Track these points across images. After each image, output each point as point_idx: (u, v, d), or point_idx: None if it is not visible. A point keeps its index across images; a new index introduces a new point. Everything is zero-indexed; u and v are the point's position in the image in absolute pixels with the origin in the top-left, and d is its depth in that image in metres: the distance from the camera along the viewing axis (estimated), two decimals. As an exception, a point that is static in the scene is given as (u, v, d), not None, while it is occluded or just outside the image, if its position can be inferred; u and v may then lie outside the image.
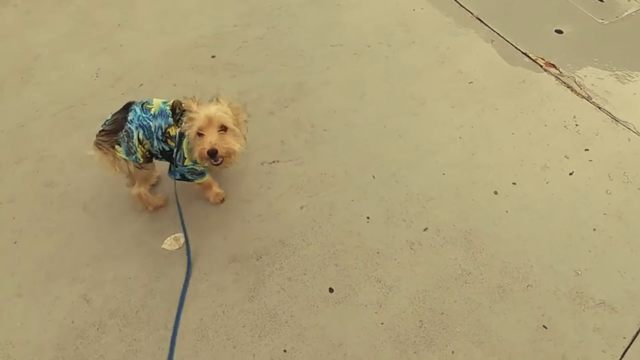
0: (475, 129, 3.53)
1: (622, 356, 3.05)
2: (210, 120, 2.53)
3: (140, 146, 2.68)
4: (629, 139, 3.51)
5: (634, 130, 3.50)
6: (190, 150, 2.64)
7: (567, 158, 3.45)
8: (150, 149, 2.71)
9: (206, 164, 2.65)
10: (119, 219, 3.18)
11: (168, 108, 2.65)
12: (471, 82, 3.74)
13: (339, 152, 3.85)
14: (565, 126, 3.58)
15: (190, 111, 2.55)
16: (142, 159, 2.72)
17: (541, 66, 3.89)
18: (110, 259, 3.01)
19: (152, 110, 2.68)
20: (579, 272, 3.28)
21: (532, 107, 3.64)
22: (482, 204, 3.58)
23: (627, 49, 3.86)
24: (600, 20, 4.06)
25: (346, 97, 3.56)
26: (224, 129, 2.56)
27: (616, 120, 3.57)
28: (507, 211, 3.53)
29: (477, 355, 2.99)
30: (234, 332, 2.64)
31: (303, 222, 3.17)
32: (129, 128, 2.65)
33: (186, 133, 2.59)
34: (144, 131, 2.66)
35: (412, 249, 3.39)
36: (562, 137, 3.49)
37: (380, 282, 3.26)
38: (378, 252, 3.36)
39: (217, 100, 2.56)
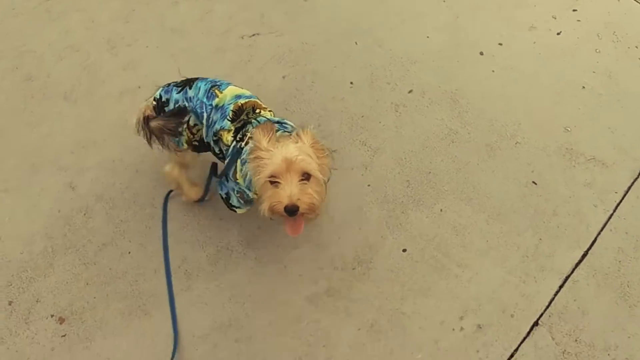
0: None
1: (614, 210, 3.25)
2: (289, 166, 2.08)
3: (188, 131, 2.43)
4: (618, 0, 3.73)
5: None
6: (257, 196, 2.32)
7: (555, 18, 3.63)
8: (204, 137, 2.44)
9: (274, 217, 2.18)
10: (101, 105, 3.30)
11: (231, 109, 2.37)
12: None
13: (320, 21, 3.95)
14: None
15: (259, 147, 2.12)
16: (185, 145, 2.48)
17: None
18: (94, 145, 3.12)
19: (216, 100, 2.41)
20: (569, 129, 3.49)
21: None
22: (467, 65, 3.75)
23: None
24: None
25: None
26: (306, 177, 2.13)
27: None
28: (493, 71, 3.71)
29: (466, 211, 3.16)
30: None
31: (285, 92, 3.31)
32: (184, 104, 2.40)
33: (248, 172, 2.24)
34: (195, 116, 2.42)
35: (397, 111, 3.54)
36: None
37: (365, 144, 3.42)
38: (363, 116, 3.52)
39: (298, 135, 2.17)
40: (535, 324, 2.78)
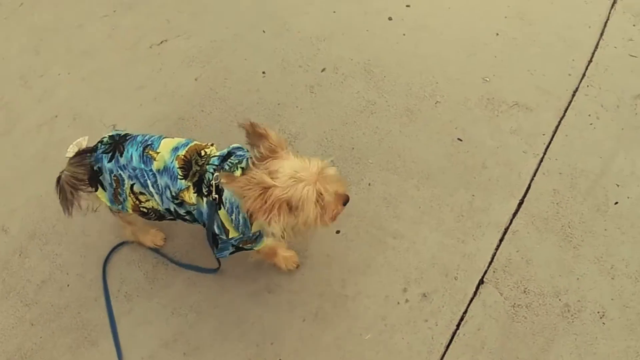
0: None
1: (545, 153, 3.26)
2: (321, 173, 2.09)
3: (132, 196, 2.30)
4: None
5: None
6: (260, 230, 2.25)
7: (462, -29, 3.67)
8: (158, 207, 2.31)
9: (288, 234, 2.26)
10: (21, 142, 3.39)
11: (177, 166, 2.24)
12: None
13: (226, 16, 4.00)
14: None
15: (265, 184, 2.04)
16: (131, 211, 2.35)
17: None
18: (19, 183, 3.15)
19: (155, 164, 2.25)
20: (487, 79, 3.50)
21: None
22: (377, 32, 3.77)
23: None
24: None
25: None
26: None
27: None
28: (404, 34, 3.72)
29: (394, 181, 3.16)
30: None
31: (200, 93, 3.42)
32: (119, 175, 2.26)
33: (240, 217, 2.22)
34: (139, 185, 2.28)
35: (312, 92, 3.59)
36: None
37: (285, 131, 3.44)
38: (279, 104, 3.56)
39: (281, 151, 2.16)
40: (481, 282, 2.81)
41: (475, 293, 2.77)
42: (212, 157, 2.23)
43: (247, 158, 2.16)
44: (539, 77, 3.28)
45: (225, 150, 2.26)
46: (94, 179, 2.30)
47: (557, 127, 3.20)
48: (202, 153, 2.25)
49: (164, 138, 2.30)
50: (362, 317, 2.67)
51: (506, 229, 2.94)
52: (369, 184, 3.06)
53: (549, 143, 3.15)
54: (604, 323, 2.68)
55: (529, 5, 3.40)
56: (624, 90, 3.30)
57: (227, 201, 2.17)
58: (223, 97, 3.34)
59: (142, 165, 2.25)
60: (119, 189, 2.29)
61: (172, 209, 2.29)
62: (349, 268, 2.79)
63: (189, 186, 2.22)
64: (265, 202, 1.96)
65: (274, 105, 3.33)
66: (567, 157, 3.11)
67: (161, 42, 3.58)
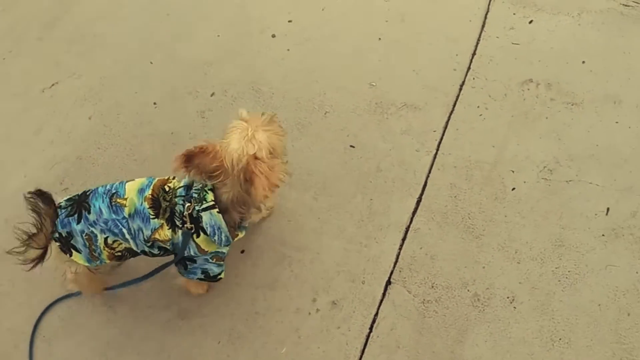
0: None
1: (437, 149, 3.40)
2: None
3: (107, 249, 2.36)
4: None
5: None
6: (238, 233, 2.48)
7: (338, -19, 3.87)
8: (131, 247, 2.41)
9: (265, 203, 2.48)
10: None
11: (147, 207, 2.35)
12: None
13: (113, 51, 4.13)
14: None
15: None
16: (108, 260, 2.40)
17: None
18: None
19: (126, 210, 2.34)
20: (374, 84, 3.64)
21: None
22: (262, 51, 3.91)
23: None
24: None
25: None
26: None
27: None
28: (288, 50, 3.87)
29: (292, 195, 3.24)
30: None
31: (95, 131, 3.49)
32: (91, 232, 2.31)
33: (216, 225, 2.42)
34: (114, 237, 2.35)
35: (203, 117, 3.72)
36: None
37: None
38: (172, 133, 3.66)
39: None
40: (388, 283, 2.93)
41: (384, 294, 2.90)
42: (177, 189, 2.35)
43: (205, 183, 2.32)
44: (425, 76, 3.37)
45: (186, 180, 2.38)
46: (66, 245, 2.34)
47: (447, 123, 3.31)
48: (167, 188, 2.36)
49: (126, 183, 2.38)
50: (276, 332, 2.77)
51: (407, 228, 3.08)
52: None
53: (441, 139, 3.26)
54: (514, 307, 2.84)
55: (409, 7, 3.54)
56: (510, 78, 3.60)
57: (208, 226, 2.32)
58: (117, 132, 3.44)
59: (114, 216, 2.33)
60: (92, 246, 2.33)
61: (146, 250, 2.41)
62: (256, 285, 2.89)
63: (162, 224, 2.32)
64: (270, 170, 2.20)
65: (167, 135, 3.43)
66: (461, 150, 3.21)
67: (52, 85, 3.66)
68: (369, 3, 3.74)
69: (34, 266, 2.31)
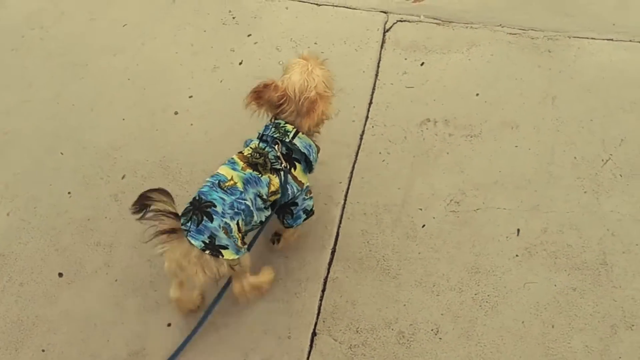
0: (141, 64, 4.32)
1: (345, 199, 3.85)
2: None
3: (239, 235, 2.71)
4: (287, 8, 4.38)
5: None
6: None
7: (234, 51, 4.36)
8: (245, 228, 2.75)
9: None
10: None
11: (250, 171, 2.82)
12: (125, 25, 4.67)
13: (24, 145, 4.40)
14: (223, 23, 4.47)
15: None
16: (241, 246, 2.78)
17: None
18: None
19: (237, 184, 2.76)
20: None
21: (188, 20, 4.52)
22: (166, 129, 4.32)
23: None
24: None
25: (12, 93, 4.32)
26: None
27: (271, -4, 4.62)
28: (191, 124, 4.28)
29: (211, 263, 3.72)
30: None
31: (14, 227, 3.70)
32: (225, 223, 2.65)
33: (307, 144, 2.98)
34: (244, 217, 2.74)
35: (117, 200, 4.06)
36: (223, 34, 4.27)
37: (100, 244, 3.86)
38: (89, 219, 3.96)
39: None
40: (314, 334, 3.21)
41: (311, 346, 3.17)
42: (257, 146, 2.96)
43: (275, 121, 3.03)
44: (327, 131, 3.49)
45: (256, 139, 3.07)
46: (214, 248, 2.68)
47: (351, 173, 3.68)
48: (248, 152, 2.95)
49: (217, 173, 2.90)
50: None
51: (325, 279, 3.37)
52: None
53: (347, 189, 3.63)
54: (440, 338, 3.14)
55: None
56: (408, 121, 3.90)
57: (303, 148, 2.95)
58: (36, 225, 3.67)
59: (233, 197, 2.76)
60: (230, 237, 2.69)
61: (262, 219, 2.92)
62: (187, 356, 3.11)
63: (271, 177, 2.87)
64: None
65: (84, 222, 3.67)
66: (368, 197, 3.56)
67: (-36, 188, 3.78)
68: (263, 70, 4.12)
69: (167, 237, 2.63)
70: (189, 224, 2.65)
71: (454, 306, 3.19)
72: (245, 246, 2.82)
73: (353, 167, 3.72)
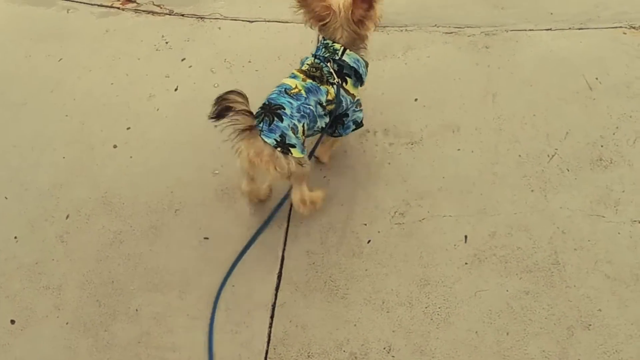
0: (78, 99, 4.27)
1: (288, 221, 3.85)
2: None
3: (303, 136, 2.99)
4: (219, 28, 4.42)
5: (221, 17, 4.56)
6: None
7: (169, 77, 4.31)
8: (308, 132, 3.04)
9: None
10: None
11: (310, 81, 3.15)
12: (61, 59, 4.55)
13: None
14: (157, 49, 4.48)
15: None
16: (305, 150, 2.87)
17: (119, 8, 5.02)
18: None
19: (301, 92, 3.05)
20: (217, 172, 4.02)
21: (122, 49, 4.42)
22: (106, 163, 4.26)
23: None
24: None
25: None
26: None
27: (202, 18, 4.63)
28: (131, 157, 4.22)
29: (158, 298, 3.62)
30: None
31: None
32: (293, 124, 2.94)
33: (356, 59, 3.25)
34: (308, 121, 3.02)
35: (62, 241, 4.04)
36: (157, 60, 4.32)
37: (48, 288, 3.82)
38: (37, 263, 3.96)
39: None
40: None
41: None
42: (314, 62, 3.25)
43: (324, 42, 3.30)
44: None
45: (310, 57, 3.37)
46: (284, 146, 2.99)
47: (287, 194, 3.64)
48: (306, 68, 3.26)
49: (282, 84, 3.20)
50: None
51: (274, 305, 3.36)
52: (137, 310, 3.57)
53: (290, 210, 3.58)
54: (393, 356, 3.13)
55: (239, 88, 4.20)
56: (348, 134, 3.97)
57: (352, 62, 3.24)
58: None
59: (299, 101, 3.05)
60: (297, 137, 2.97)
61: (322, 125, 3.22)
62: None
63: (328, 88, 3.18)
64: None
65: (32, 266, 3.84)
66: (311, 217, 3.47)
67: None
68: (201, 92, 4.24)
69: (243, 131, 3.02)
70: (261, 125, 2.95)
71: (405, 322, 3.20)
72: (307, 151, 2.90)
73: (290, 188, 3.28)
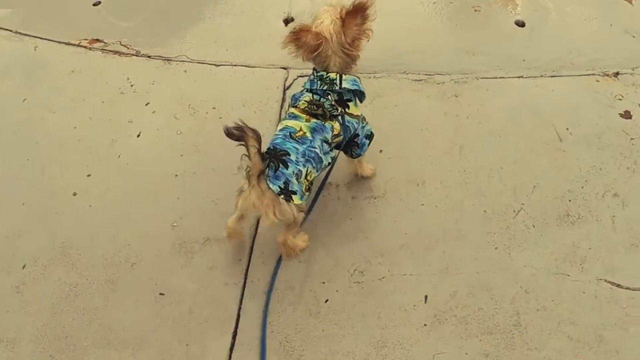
0: (40, 142, 4.33)
1: (245, 278, 3.79)
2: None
3: (306, 181, 3.00)
4: (185, 71, 4.41)
5: (187, 60, 4.60)
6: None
7: (132, 122, 4.28)
8: (313, 176, 3.05)
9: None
10: None
11: (314, 120, 3.13)
12: (25, 99, 4.58)
13: None
14: (121, 92, 4.43)
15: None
16: (307, 194, 3.02)
17: (86, 47, 4.98)
18: None
19: (306, 134, 3.07)
20: (175, 224, 3.96)
21: (86, 91, 4.39)
22: (65, 212, 4.22)
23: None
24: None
25: None
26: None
27: (169, 60, 4.57)
28: (90, 206, 4.18)
29: (112, 356, 3.61)
30: None
31: None
32: (297, 170, 2.95)
33: (351, 80, 3.22)
34: (313, 164, 3.03)
35: (19, 292, 3.99)
36: (121, 104, 4.24)
37: (2, 341, 3.70)
38: None
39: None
40: None
41: None
42: (312, 99, 3.24)
43: (318, 75, 3.27)
44: (223, 205, 3.60)
45: (304, 92, 3.37)
46: (287, 193, 3.00)
47: (251, 249, 3.60)
48: (305, 105, 3.26)
49: (284, 125, 3.24)
50: None
51: None
52: (89, 367, 3.19)
53: (247, 267, 3.54)
54: None
55: (202, 136, 3.83)
56: None
57: (350, 84, 3.21)
58: None
59: (304, 146, 3.05)
60: (299, 183, 2.97)
61: (329, 160, 3.23)
62: None
63: (332, 122, 3.19)
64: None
65: None
66: (269, 274, 3.68)
67: None
68: (163, 139, 4.16)
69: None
70: (267, 170, 2.94)
71: (362, 382, 2.73)
72: (309, 193, 3.18)
73: (253, 242, 3.67)
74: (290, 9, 4.57)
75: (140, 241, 3.97)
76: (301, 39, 2.95)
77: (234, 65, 4.45)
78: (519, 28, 4.46)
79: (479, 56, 4.06)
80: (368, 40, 3.12)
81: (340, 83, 3.10)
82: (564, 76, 4.31)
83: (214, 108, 4.24)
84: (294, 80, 4.25)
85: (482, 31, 4.44)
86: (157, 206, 3.94)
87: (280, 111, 4.13)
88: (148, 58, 4.36)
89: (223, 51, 4.55)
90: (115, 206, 4.23)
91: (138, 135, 4.02)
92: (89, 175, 4.37)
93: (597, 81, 4.19)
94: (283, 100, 4.20)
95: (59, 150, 4.59)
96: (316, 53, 3.02)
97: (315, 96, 3.13)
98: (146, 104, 4.14)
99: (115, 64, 4.58)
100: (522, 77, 4.10)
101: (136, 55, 4.41)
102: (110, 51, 4.50)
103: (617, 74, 4.13)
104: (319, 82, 3.11)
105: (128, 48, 4.45)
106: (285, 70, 4.36)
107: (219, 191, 3.94)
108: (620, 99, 4.09)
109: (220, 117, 4.19)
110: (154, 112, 4.10)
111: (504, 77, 4.10)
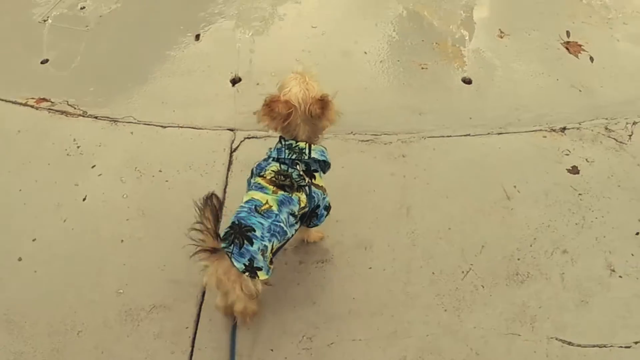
0: None
1: (192, 345, 3.78)
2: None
3: (271, 255, 2.92)
4: (132, 132, 4.46)
5: (134, 121, 4.62)
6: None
7: (78, 185, 4.26)
8: (277, 246, 2.99)
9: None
10: None
11: (281, 192, 3.07)
12: None
13: None
14: (68, 154, 4.41)
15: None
16: (271, 267, 2.91)
17: (33, 106, 4.96)
18: None
19: (272, 207, 3.00)
20: (121, 291, 3.93)
21: (33, 152, 4.40)
22: (10, 277, 4.21)
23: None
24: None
25: None
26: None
27: (115, 121, 4.62)
28: (35, 271, 4.13)
29: None
30: None
31: None
32: (263, 245, 2.89)
33: (319, 151, 3.21)
34: (278, 237, 2.97)
35: None
36: (68, 166, 4.15)
37: None
38: None
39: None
40: None
41: None
42: (279, 170, 3.19)
43: (287, 143, 3.26)
44: (170, 271, 3.62)
45: (270, 161, 3.33)
46: (252, 270, 2.96)
47: (198, 316, 3.79)
48: (271, 176, 3.19)
49: (250, 197, 3.17)
50: None
51: None
52: None
53: (194, 335, 3.74)
54: None
55: (149, 200, 3.88)
56: None
57: (319, 155, 3.19)
58: None
59: (270, 220, 3.00)
60: (265, 258, 2.93)
61: (293, 233, 3.18)
62: None
63: (299, 194, 3.14)
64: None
65: None
66: (217, 342, 3.70)
67: None
68: (108, 204, 4.17)
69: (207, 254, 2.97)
70: (231, 247, 2.91)
71: None
72: (272, 265, 3.07)
73: (200, 308, 3.65)
74: (237, 68, 4.42)
75: (86, 308, 3.92)
76: (274, 109, 2.98)
77: (181, 127, 4.48)
78: (466, 85, 4.49)
79: (426, 115, 4.07)
80: (332, 124, 3.29)
81: (309, 153, 3.08)
82: (511, 133, 4.47)
83: (160, 171, 4.25)
84: (241, 142, 4.32)
85: (429, 89, 4.43)
86: (103, 272, 3.90)
87: (227, 174, 4.19)
88: (95, 119, 4.35)
89: (170, 112, 4.60)
90: (61, 272, 4.19)
91: (84, 199, 3.97)
92: (34, 240, 4.32)
93: (544, 137, 4.31)
94: (230, 162, 4.25)
95: (4, 214, 4.57)
96: (287, 122, 3.04)
97: (283, 166, 3.11)
98: (92, 167, 4.12)
99: (61, 124, 4.58)
100: (469, 135, 4.08)
101: (83, 116, 4.38)
102: (57, 111, 4.46)
103: (564, 128, 4.17)
104: (287, 150, 3.10)
105: (75, 108, 4.42)
106: (232, 132, 4.46)
107: (165, 257, 4.13)
108: (567, 154, 4.28)
109: (166, 180, 4.20)
110: (100, 175, 4.07)
111: (451, 136, 4.07)
